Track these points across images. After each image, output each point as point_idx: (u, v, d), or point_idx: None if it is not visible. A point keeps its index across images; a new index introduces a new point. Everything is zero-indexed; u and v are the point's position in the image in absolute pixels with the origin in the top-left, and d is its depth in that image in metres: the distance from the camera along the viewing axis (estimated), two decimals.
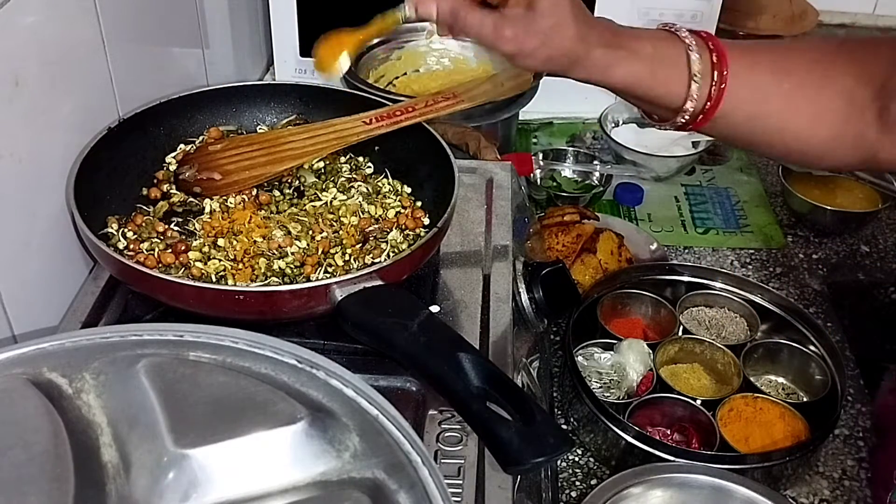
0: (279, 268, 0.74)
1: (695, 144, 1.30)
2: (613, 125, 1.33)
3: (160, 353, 0.53)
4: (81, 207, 0.70)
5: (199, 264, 0.73)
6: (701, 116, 0.74)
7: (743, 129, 0.76)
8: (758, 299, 1.01)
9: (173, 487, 0.47)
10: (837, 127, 0.73)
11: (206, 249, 0.75)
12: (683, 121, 0.75)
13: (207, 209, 0.80)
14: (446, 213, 0.73)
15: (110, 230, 0.76)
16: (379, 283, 0.67)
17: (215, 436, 0.48)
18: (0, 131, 0.66)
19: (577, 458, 0.89)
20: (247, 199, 0.81)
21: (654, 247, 1.14)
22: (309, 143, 0.82)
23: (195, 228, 0.78)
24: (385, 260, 0.73)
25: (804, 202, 1.20)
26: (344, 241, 0.77)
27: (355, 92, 0.93)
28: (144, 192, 0.82)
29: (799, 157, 0.79)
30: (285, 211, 0.81)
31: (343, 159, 0.88)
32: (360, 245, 0.77)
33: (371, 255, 0.75)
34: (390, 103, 0.86)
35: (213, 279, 0.73)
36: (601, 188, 1.24)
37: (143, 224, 0.77)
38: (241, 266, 0.74)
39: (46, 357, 0.53)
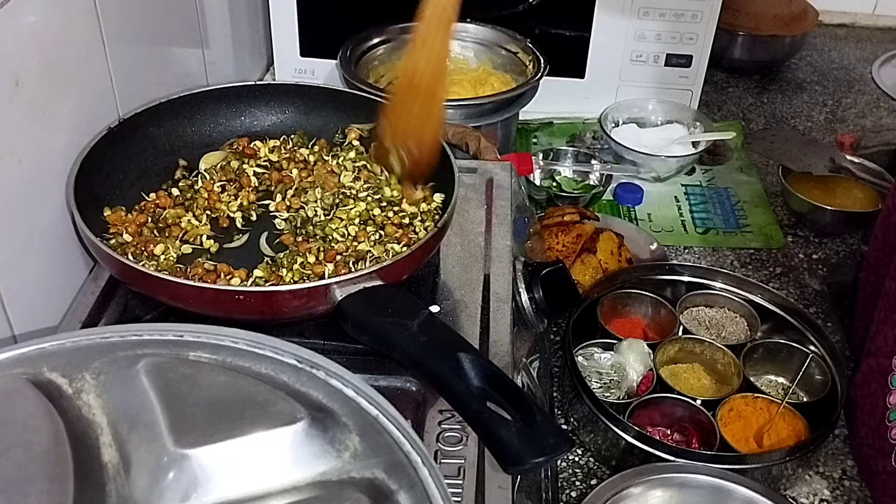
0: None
1: (695, 144, 1.30)
2: (613, 125, 1.33)
3: (160, 353, 0.53)
4: (81, 207, 0.70)
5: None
6: None
7: None
8: (758, 299, 1.01)
9: (173, 487, 0.47)
10: None
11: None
12: None
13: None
14: (446, 213, 0.73)
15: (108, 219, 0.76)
16: (379, 283, 0.67)
17: (215, 436, 0.48)
18: (0, 131, 0.66)
19: (577, 458, 0.89)
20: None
21: (654, 247, 1.14)
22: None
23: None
24: (385, 260, 0.73)
25: (804, 202, 1.20)
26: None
27: (355, 92, 0.93)
28: (144, 192, 0.82)
29: None
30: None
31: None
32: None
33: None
34: None
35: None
36: (601, 188, 1.24)
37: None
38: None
39: (46, 357, 0.52)
